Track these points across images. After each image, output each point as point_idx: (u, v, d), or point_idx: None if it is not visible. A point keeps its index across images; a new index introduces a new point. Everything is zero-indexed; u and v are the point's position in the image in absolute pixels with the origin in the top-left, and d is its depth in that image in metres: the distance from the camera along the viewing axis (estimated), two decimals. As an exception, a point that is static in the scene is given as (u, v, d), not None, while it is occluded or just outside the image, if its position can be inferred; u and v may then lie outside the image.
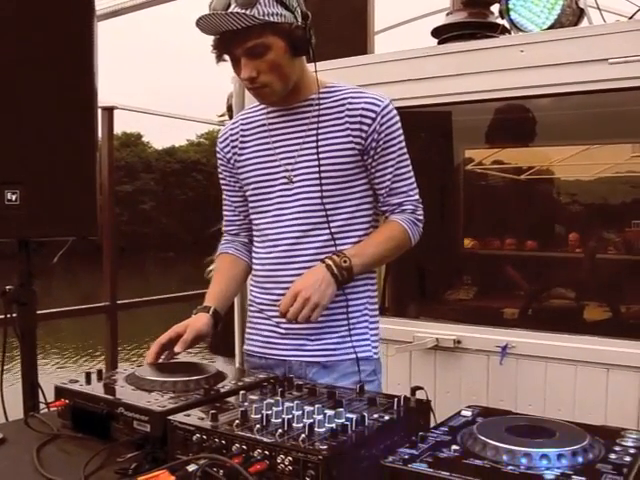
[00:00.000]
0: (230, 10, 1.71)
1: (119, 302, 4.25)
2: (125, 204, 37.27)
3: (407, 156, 1.97)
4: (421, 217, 1.98)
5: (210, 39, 1.83)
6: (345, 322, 1.93)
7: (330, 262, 1.83)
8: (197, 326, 1.90)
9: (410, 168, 1.97)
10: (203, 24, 1.74)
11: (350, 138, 1.90)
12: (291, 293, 1.79)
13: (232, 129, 2.09)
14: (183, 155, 49.59)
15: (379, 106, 1.90)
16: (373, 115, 1.89)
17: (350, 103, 1.91)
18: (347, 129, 1.90)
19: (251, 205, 2.06)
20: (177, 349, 1.85)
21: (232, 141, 2.08)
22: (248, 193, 2.05)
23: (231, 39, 1.77)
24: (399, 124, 1.94)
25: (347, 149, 1.90)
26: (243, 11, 1.70)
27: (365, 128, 1.89)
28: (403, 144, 1.96)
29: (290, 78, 1.88)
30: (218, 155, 2.12)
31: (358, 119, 1.89)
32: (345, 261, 1.83)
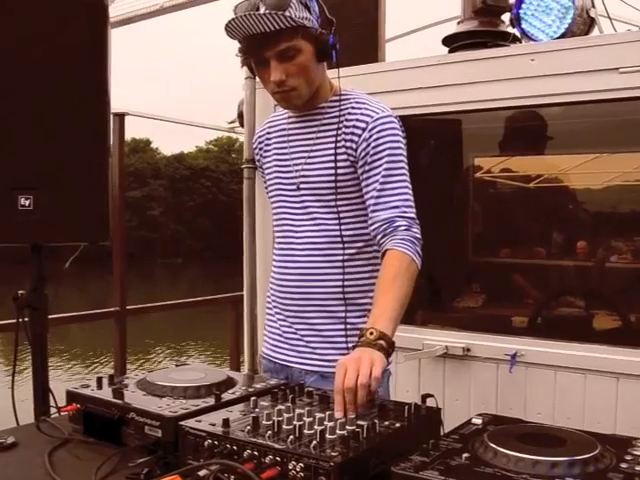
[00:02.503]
0: (261, 12, 1.71)
1: (129, 307, 4.27)
2: (134, 210, 37.43)
3: (403, 171, 1.86)
4: (418, 235, 1.81)
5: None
6: (342, 334, 1.93)
7: (360, 343, 1.64)
8: None
9: (406, 184, 1.86)
10: (233, 26, 1.74)
11: (344, 149, 1.90)
12: (339, 366, 1.56)
13: (260, 133, 2.15)
14: (192, 161, 49.84)
15: (372, 117, 1.87)
16: (364, 126, 1.87)
17: (349, 113, 1.91)
18: (342, 140, 1.90)
19: (272, 206, 2.10)
20: None
21: (260, 143, 2.13)
22: (269, 195, 2.10)
23: (262, 41, 1.78)
24: (394, 137, 1.87)
25: (342, 160, 1.90)
26: (277, 12, 1.71)
27: (355, 139, 1.88)
28: (397, 158, 1.86)
29: (315, 83, 1.90)
30: (255, 158, 2.20)
31: (350, 130, 1.89)
32: (371, 332, 1.63)
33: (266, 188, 2.14)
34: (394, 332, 1.68)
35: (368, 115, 1.88)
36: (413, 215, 1.83)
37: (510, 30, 3.04)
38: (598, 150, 3.70)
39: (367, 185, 1.86)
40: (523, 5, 2.86)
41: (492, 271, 3.85)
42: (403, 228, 1.79)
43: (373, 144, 1.85)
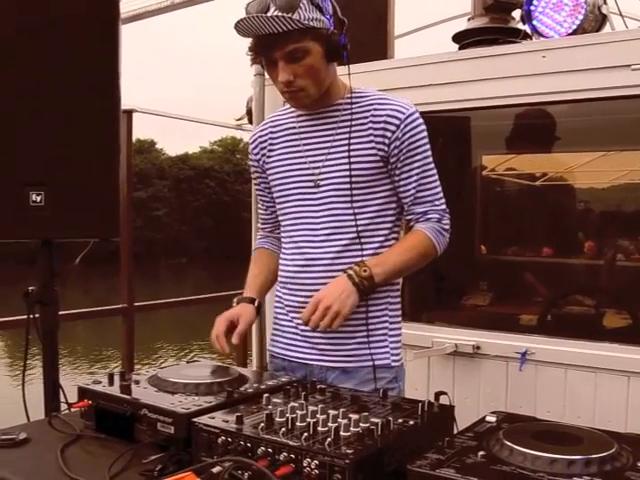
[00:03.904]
0: (270, 14, 1.72)
1: (136, 304, 4.26)
2: (138, 210, 37.41)
3: (432, 165, 1.96)
4: (447, 226, 1.96)
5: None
6: (364, 329, 1.93)
7: (351, 272, 1.85)
8: (248, 318, 1.99)
9: (436, 177, 1.96)
10: (243, 26, 1.74)
11: (373, 144, 1.90)
12: (313, 302, 1.82)
13: (262, 132, 2.12)
14: (196, 162, 49.81)
15: (403, 114, 1.89)
16: (397, 122, 1.89)
17: (375, 109, 1.91)
18: (370, 135, 1.90)
19: (278, 207, 2.08)
20: (234, 341, 1.95)
21: (261, 142, 2.10)
22: (275, 195, 2.07)
23: (271, 42, 1.78)
24: (424, 133, 1.93)
25: (370, 155, 1.90)
26: (285, 14, 1.71)
27: (388, 135, 1.89)
28: (428, 153, 1.94)
29: (324, 83, 1.90)
30: (250, 158, 2.16)
31: (381, 126, 1.89)
32: (365, 270, 1.84)
33: (268, 189, 2.12)
34: (380, 285, 1.90)
35: (399, 111, 1.90)
36: (444, 206, 1.97)
37: (521, 27, 3.02)
38: (608, 148, 3.69)
39: (401, 180, 1.93)
40: (534, 2, 2.85)
41: (501, 269, 3.85)
42: (434, 220, 1.94)
43: (407, 142, 1.90)
